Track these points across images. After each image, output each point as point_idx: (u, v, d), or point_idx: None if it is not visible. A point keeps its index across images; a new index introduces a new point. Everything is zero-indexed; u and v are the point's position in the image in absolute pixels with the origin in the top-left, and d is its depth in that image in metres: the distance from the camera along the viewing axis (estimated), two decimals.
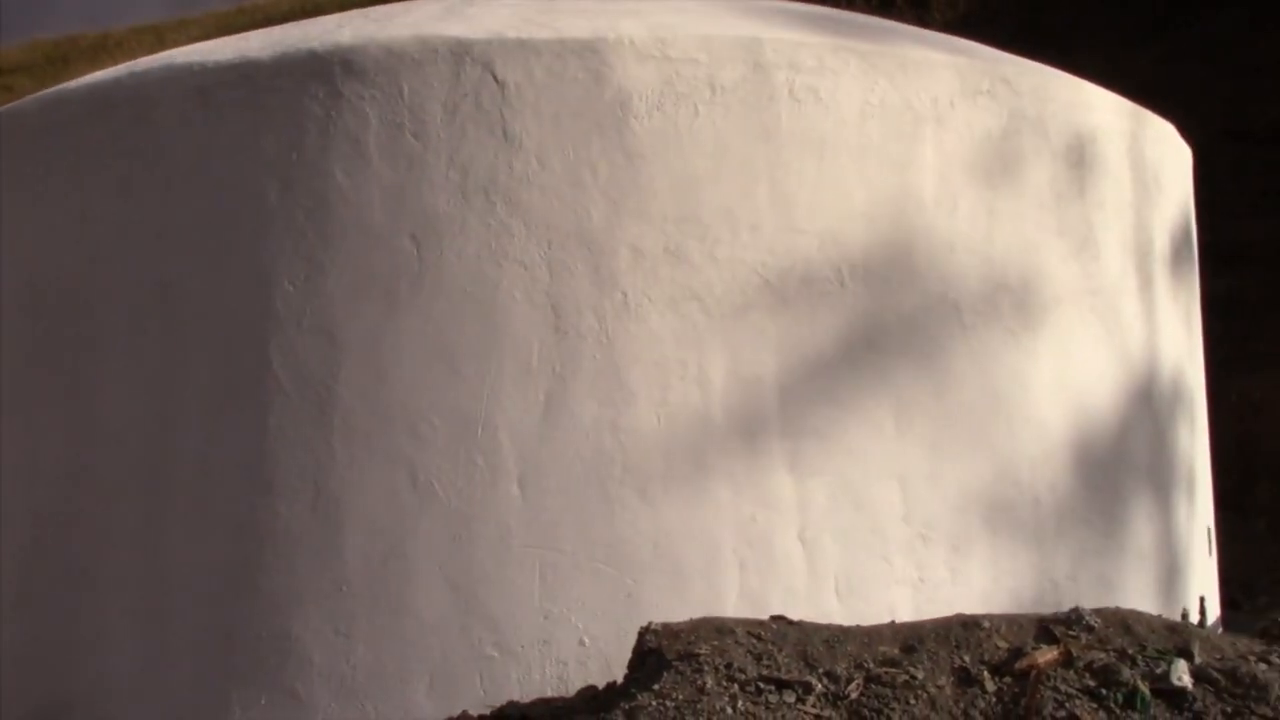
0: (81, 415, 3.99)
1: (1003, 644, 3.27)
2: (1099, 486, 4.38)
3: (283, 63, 3.83)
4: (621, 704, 3.08)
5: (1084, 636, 3.32)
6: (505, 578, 3.63)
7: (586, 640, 3.63)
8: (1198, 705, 3.07)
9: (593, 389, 3.69)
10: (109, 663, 3.86)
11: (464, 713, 3.55)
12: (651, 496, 3.69)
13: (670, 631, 3.29)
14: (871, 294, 3.93)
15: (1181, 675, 3.12)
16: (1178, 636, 3.36)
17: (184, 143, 3.89)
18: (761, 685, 3.07)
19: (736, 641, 3.23)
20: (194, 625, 3.75)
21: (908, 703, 3.05)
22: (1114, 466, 4.45)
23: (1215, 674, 3.17)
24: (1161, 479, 4.71)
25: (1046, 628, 3.35)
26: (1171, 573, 4.74)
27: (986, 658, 3.22)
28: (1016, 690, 3.11)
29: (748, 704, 3.00)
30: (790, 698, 3.05)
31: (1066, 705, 3.05)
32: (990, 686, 3.12)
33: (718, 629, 3.29)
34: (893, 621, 3.58)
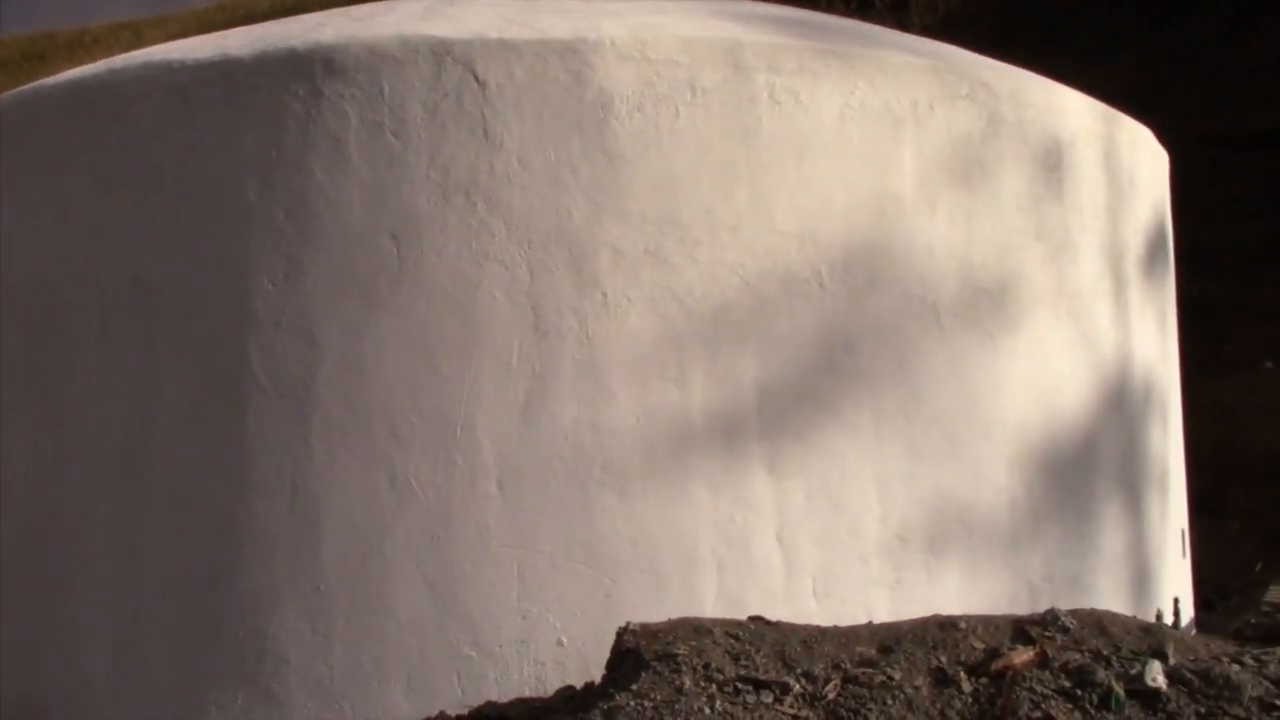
0: (57, 413, 3.96)
1: (979, 645, 3.28)
2: (1074, 488, 4.41)
3: (263, 61, 3.82)
4: (600, 704, 3.09)
5: (1059, 637, 3.34)
6: (483, 578, 3.63)
7: (565, 640, 3.64)
8: (1172, 706, 3.09)
9: (572, 389, 3.69)
10: (85, 662, 3.84)
11: (441, 713, 3.55)
12: (630, 497, 3.69)
13: (648, 632, 3.29)
14: (850, 296, 3.95)
15: (1156, 676, 3.14)
16: (1152, 638, 3.39)
17: (163, 140, 3.87)
18: (739, 685, 3.08)
19: (714, 642, 3.23)
20: (171, 625, 3.74)
21: (885, 703, 3.06)
22: (1088, 468, 4.48)
23: (1189, 675, 3.19)
24: (1135, 481, 4.74)
25: (1022, 629, 3.37)
26: (1145, 574, 4.77)
27: (963, 658, 3.24)
28: (993, 691, 3.12)
29: (726, 704, 3.01)
30: (768, 698, 3.06)
31: (1042, 706, 3.07)
32: (967, 687, 3.14)
33: (696, 629, 3.30)
34: (870, 622, 3.60)
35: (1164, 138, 5.44)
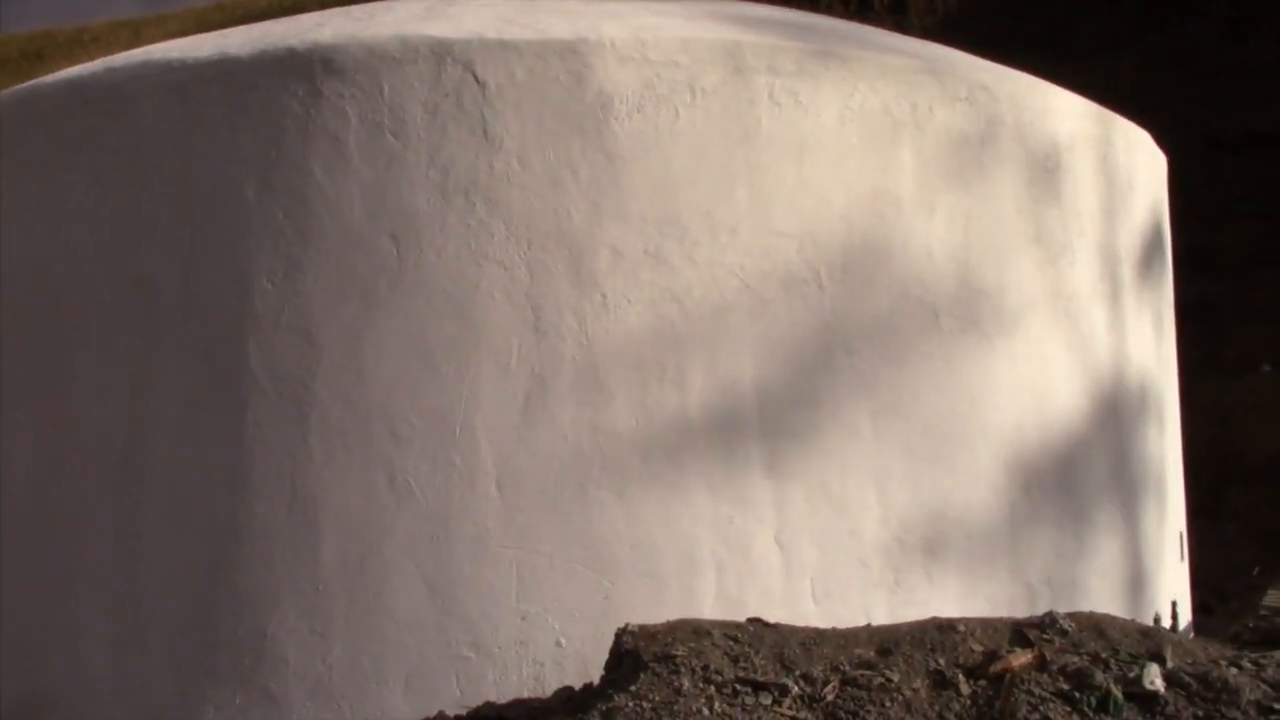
0: (56, 413, 3.96)
1: (978, 647, 3.29)
2: (1072, 491, 4.41)
3: (262, 60, 3.82)
4: (598, 705, 3.09)
5: (1058, 640, 3.34)
6: (482, 578, 3.63)
7: (563, 641, 3.64)
8: (1170, 709, 3.10)
9: (572, 390, 3.69)
10: (84, 662, 3.84)
11: (440, 713, 3.55)
12: (629, 498, 3.69)
13: (647, 633, 3.29)
14: (849, 297, 3.95)
15: (1154, 679, 3.15)
16: (1150, 641, 3.39)
17: (162, 140, 3.87)
18: (738, 687, 3.08)
19: (713, 643, 3.23)
20: (170, 624, 3.73)
21: (883, 705, 3.06)
22: (1085, 471, 4.48)
23: (1187, 678, 3.19)
24: (1132, 484, 4.75)
25: (1021, 631, 3.37)
26: (1143, 577, 4.78)
27: (961, 661, 3.24)
28: (991, 693, 3.12)
29: (724, 705, 3.01)
30: (766, 700, 3.06)
31: (1040, 708, 3.07)
32: (965, 689, 3.14)
33: (695, 631, 3.30)
34: (869, 624, 3.60)
35: (1162, 140, 5.44)
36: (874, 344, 3.98)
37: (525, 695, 3.58)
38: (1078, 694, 3.12)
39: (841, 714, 3.04)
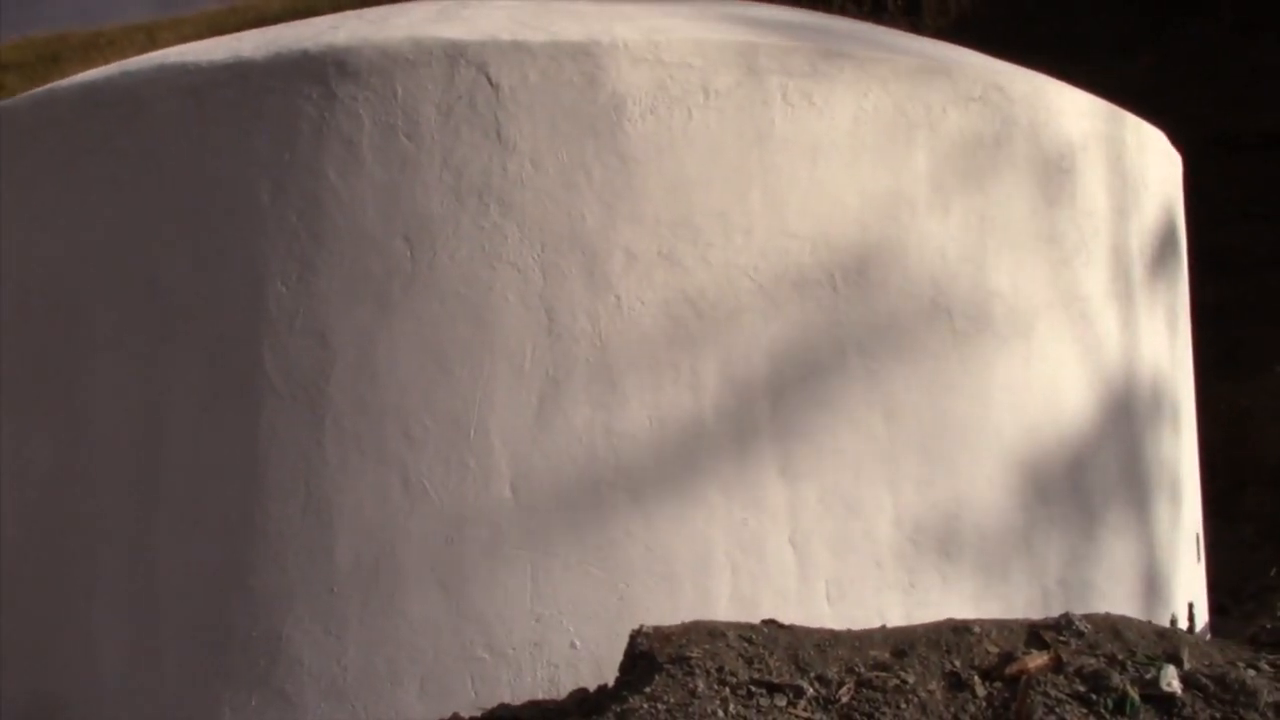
0: (71, 415, 3.98)
1: (993, 649, 3.28)
2: (1087, 492, 4.39)
3: (276, 63, 3.83)
4: (613, 707, 3.08)
5: (1074, 642, 3.33)
6: (496, 580, 3.63)
7: (578, 643, 3.63)
8: (1187, 711, 3.08)
9: (585, 392, 3.69)
10: (98, 663, 3.85)
11: (455, 715, 3.55)
12: (643, 499, 3.69)
13: (662, 634, 3.29)
14: (864, 298, 3.94)
15: (1171, 681, 3.13)
16: (1167, 642, 3.37)
17: (176, 142, 3.88)
18: (753, 689, 3.08)
19: (728, 645, 3.23)
20: (184, 626, 3.74)
21: (898, 707, 3.05)
22: (1100, 472, 4.46)
23: (1204, 680, 3.18)
24: (1147, 485, 4.72)
25: (1037, 633, 3.36)
26: (1159, 579, 4.76)
27: (977, 662, 3.23)
28: (1007, 695, 3.11)
29: (739, 707, 3.01)
30: (781, 701, 3.05)
31: (1057, 710, 3.06)
32: (981, 691, 3.13)
33: (709, 632, 3.30)
34: (884, 626, 3.59)
35: (1177, 140, 5.42)
36: (888, 345, 3.98)
37: (540, 697, 3.58)
38: (1094, 696, 3.11)
39: (856, 716, 3.03)
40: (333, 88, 3.75)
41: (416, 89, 3.73)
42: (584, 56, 3.76)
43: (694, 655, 3.17)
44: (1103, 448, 4.49)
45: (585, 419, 3.68)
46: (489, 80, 3.74)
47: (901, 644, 3.30)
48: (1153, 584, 4.70)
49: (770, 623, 3.47)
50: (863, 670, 3.19)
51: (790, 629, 3.40)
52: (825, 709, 3.05)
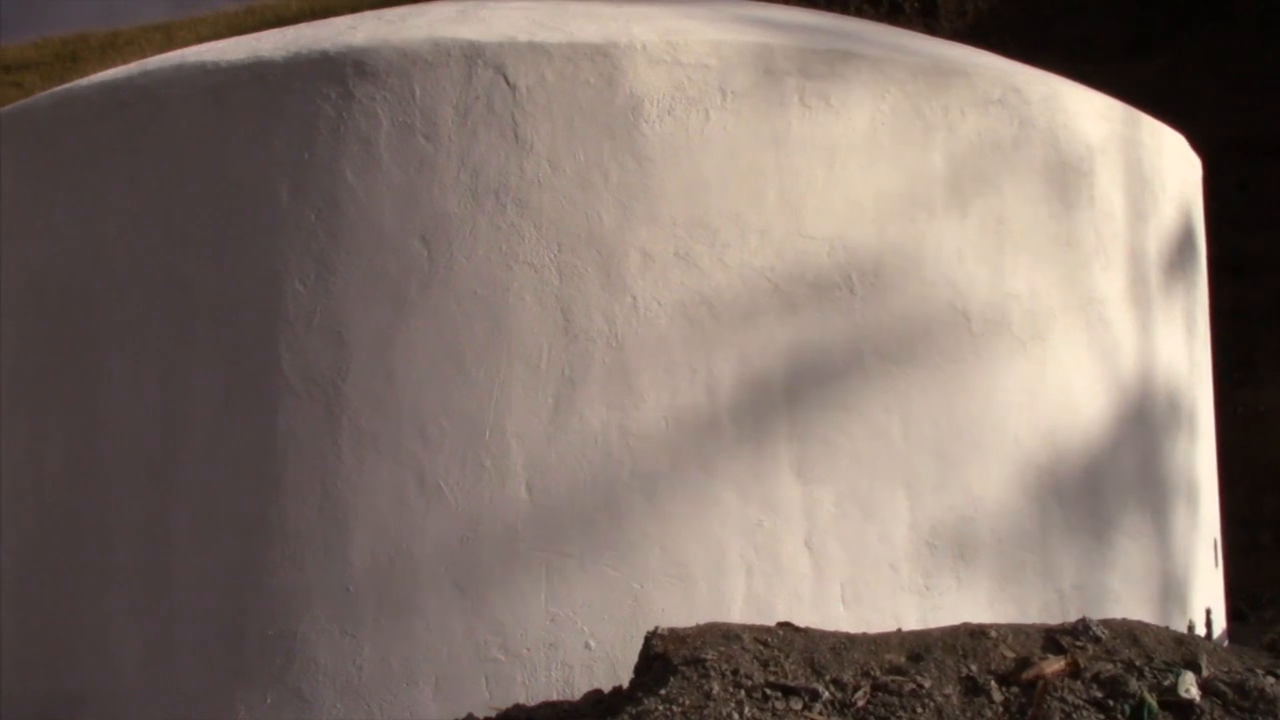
0: (89, 413, 3.99)
1: (1010, 653, 3.26)
2: (1104, 497, 4.37)
3: (295, 63, 3.83)
4: (628, 708, 3.08)
5: (1091, 647, 3.31)
6: (512, 580, 3.63)
7: (593, 644, 3.63)
8: (1205, 718, 3.06)
9: (601, 392, 3.69)
10: (115, 660, 3.86)
11: (469, 715, 3.55)
12: (659, 500, 3.68)
13: (677, 636, 3.28)
14: (880, 300, 3.93)
15: (1189, 688, 3.11)
16: (1185, 649, 3.35)
17: (196, 142, 3.89)
18: (768, 692, 3.07)
19: (743, 647, 3.22)
20: (200, 624, 3.75)
21: (914, 711, 3.04)
22: (1115, 477, 4.44)
23: (1223, 687, 3.16)
24: (1162, 490, 4.70)
25: (1053, 638, 3.34)
26: (1177, 584, 4.73)
27: (993, 667, 3.21)
28: (1023, 700, 3.10)
29: (754, 710, 2.99)
30: (797, 704, 3.04)
31: (1073, 716, 3.04)
32: (997, 696, 3.11)
33: (724, 634, 3.29)
34: (900, 629, 3.58)
35: (1196, 144, 5.39)
36: (904, 347, 3.96)
37: (554, 697, 3.58)
38: (1111, 702, 3.09)
39: (872, 719, 3.02)
40: (351, 88, 3.76)
41: (434, 89, 3.74)
42: (601, 57, 3.76)
43: (709, 657, 3.16)
44: (1119, 451, 4.46)
45: (601, 419, 3.68)
46: (506, 81, 3.74)
47: (917, 648, 3.29)
48: (1169, 589, 4.67)
49: (785, 625, 3.46)
50: (878, 674, 3.17)
51: (805, 631, 3.39)
52: (841, 712, 3.04)
